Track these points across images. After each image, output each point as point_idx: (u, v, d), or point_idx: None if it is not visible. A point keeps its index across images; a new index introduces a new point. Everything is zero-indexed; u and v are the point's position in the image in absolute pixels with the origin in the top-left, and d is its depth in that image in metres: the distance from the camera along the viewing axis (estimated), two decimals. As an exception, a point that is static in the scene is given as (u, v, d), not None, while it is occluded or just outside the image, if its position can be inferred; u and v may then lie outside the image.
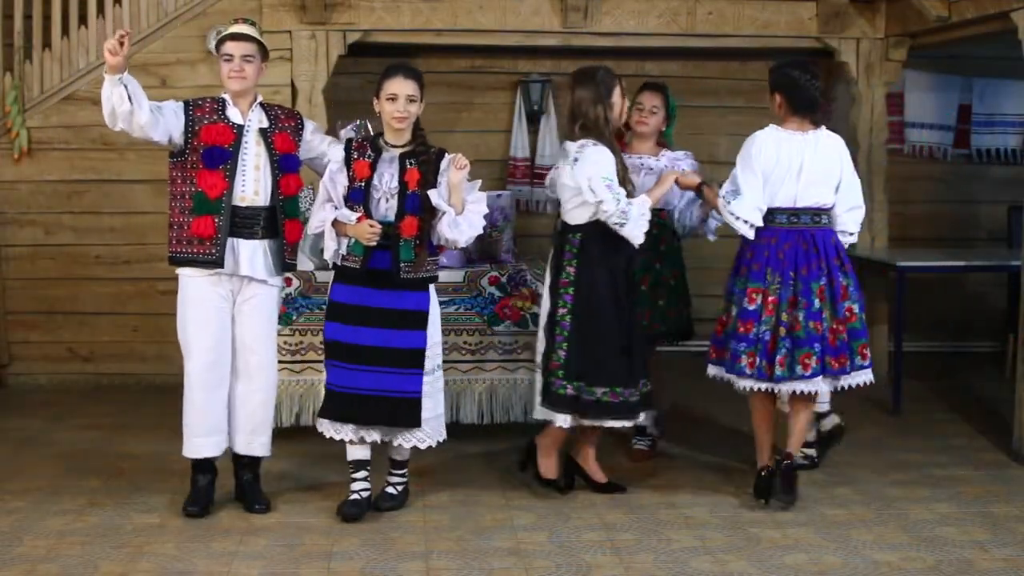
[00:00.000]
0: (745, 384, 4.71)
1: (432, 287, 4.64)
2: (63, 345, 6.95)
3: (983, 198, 7.96)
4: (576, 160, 4.59)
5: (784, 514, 4.66)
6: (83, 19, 6.74)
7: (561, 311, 4.66)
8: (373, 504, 4.66)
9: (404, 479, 4.77)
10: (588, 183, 4.55)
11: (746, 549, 4.29)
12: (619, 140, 5.10)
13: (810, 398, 4.77)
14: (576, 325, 4.63)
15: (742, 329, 4.68)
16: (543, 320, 4.77)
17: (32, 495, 4.86)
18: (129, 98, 4.32)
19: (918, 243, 7.57)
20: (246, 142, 4.53)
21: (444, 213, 4.48)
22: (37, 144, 6.80)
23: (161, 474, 5.07)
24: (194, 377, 4.59)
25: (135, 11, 6.74)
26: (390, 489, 4.73)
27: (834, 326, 4.64)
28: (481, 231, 4.65)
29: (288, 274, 5.50)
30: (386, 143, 4.57)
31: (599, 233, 4.62)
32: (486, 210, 4.65)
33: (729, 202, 4.67)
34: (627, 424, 4.81)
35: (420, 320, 4.55)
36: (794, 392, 4.70)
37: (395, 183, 4.49)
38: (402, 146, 4.56)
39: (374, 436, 4.58)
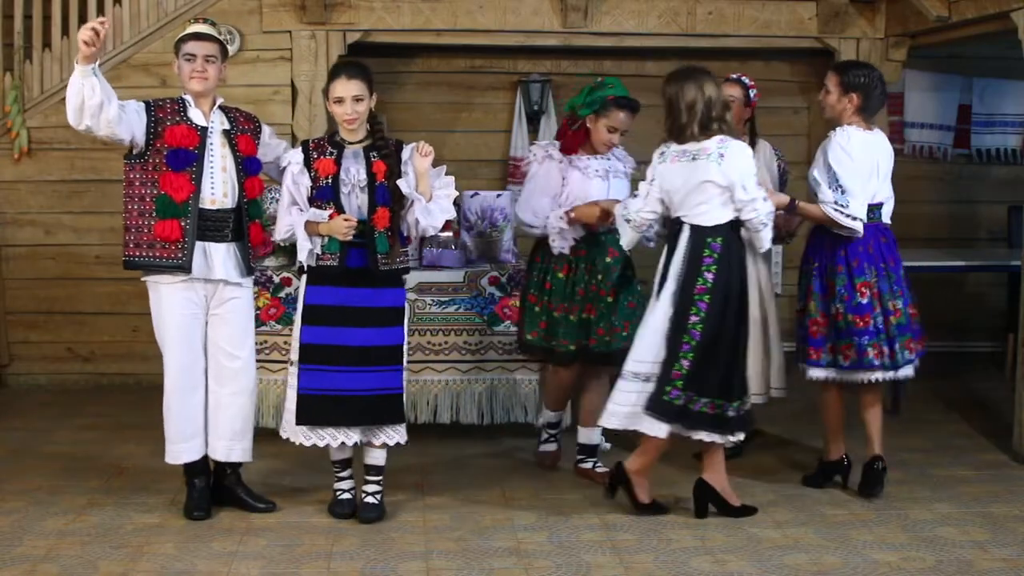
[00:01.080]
0: (875, 376, 4.77)
1: (405, 281, 4.63)
2: (63, 345, 6.96)
3: (983, 198, 7.95)
4: (722, 156, 4.40)
5: (784, 514, 4.66)
6: (83, 19, 6.71)
7: (693, 319, 4.40)
8: (356, 516, 4.60)
9: (381, 487, 4.65)
10: (741, 180, 4.40)
11: (746, 549, 4.29)
12: (579, 144, 4.96)
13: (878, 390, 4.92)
14: (707, 335, 4.41)
15: (860, 324, 4.72)
16: (661, 326, 4.46)
17: (32, 495, 4.86)
18: (100, 91, 4.24)
19: (918, 243, 7.56)
20: (211, 144, 4.47)
21: (414, 202, 4.47)
22: (37, 144, 6.80)
23: (161, 474, 5.06)
24: (170, 384, 4.56)
25: (135, 11, 6.74)
26: (370, 499, 4.62)
27: (911, 312, 4.85)
28: (454, 215, 4.65)
29: (287, 274, 5.52)
30: (344, 140, 4.53)
31: (733, 236, 4.50)
32: (455, 193, 4.63)
33: (847, 204, 4.65)
34: (720, 439, 4.56)
35: (397, 316, 4.54)
36: (868, 382, 4.81)
37: (363, 175, 4.46)
38: (360, 142, 4.53)
39: (354, 438, 4.52)
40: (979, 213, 7.98)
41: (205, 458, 4.66)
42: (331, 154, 4.48)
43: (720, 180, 4.40)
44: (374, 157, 4.49)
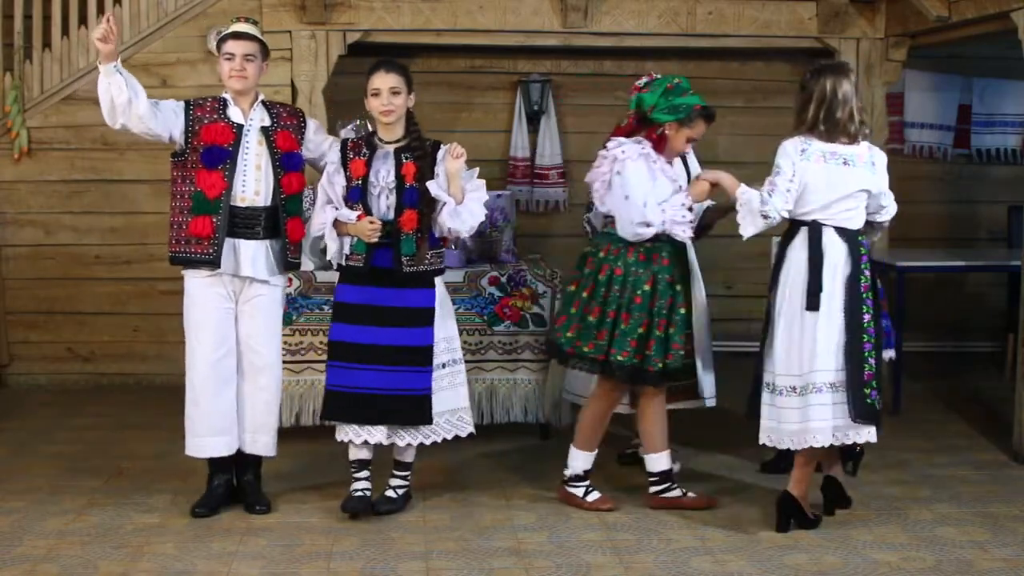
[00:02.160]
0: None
1: (440, 281, 4.62)
2: (63, 345, 6.95)
3: (983, 198, 7.96)
4: (874, 164, 4.42)
5: (784, 514, 4.66)
6: (83, 19, 6.73)
7: (867, 317, 4.37)
8: (372, 506, 4.66)
9: (407, 483, 4.74)
10: (886, 187, 4.47)
11: (746, 549, 4.29)
12: (663, 149, 4.66)
13: None
14: (876, 330, 4.44)
15: (886, 308, 4.93)
16: (835, 336, 4.33)
17: (32, 495, 4.87)
18: (127, 87, 4.31)
19: (918, 243, 7.57)
20: (247, 142, 4.52)
21: (444, 204, 4.48)
22: (37, 144, 6.80)
23: (161, 474, 5.07)
24: (198, 377, 4.59)
25: (135, 11, 6.73)
26: (390, 492, 4.71)
27: None
28: (483, 218, 4.61)
29: (289, 274, 5.51)
30: (380, 140, 4.57)
31: None
32: (486, 197, 4.62)
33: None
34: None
35: (426, 317, 4.54)
36: None
37: (392, 178, 4.49)
38: (395, 141, 4.56)
39: (377, 437, 4.55)
40: (979, 213, 7.98)
41: (229, 459, 4.67)
42: (364, 155, 4.52)
43: (873, 188, 4.42)
44: (405, 159, 4.51)
